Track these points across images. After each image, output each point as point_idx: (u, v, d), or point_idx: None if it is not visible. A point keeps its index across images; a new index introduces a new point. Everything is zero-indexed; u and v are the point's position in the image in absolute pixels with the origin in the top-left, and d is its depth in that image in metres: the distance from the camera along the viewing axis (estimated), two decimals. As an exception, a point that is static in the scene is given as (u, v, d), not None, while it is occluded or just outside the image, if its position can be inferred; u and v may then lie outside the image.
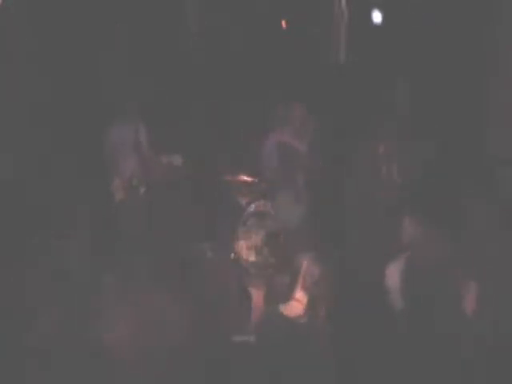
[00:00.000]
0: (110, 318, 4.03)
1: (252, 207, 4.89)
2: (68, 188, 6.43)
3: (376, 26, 8.51)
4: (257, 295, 3.85)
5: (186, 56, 8.68)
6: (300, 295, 3.66)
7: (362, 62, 8.29)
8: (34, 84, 7.62)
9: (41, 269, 4.89)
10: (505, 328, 4.16)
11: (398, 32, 8.15)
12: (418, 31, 7.80)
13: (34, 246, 5.39)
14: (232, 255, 3.98)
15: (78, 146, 7.36)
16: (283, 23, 9.00)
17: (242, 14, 8.79)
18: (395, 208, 5.83)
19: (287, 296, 3.68)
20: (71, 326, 4.20)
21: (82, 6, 7.99)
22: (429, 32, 7.68)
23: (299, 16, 8.75)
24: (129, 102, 7.23)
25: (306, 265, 3.70)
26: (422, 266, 4.35)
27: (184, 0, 9.05)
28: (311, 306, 3.64)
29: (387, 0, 8.42)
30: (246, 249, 3.89)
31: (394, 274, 4.40)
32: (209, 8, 8.82)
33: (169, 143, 7.55)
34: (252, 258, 3.85)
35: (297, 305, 3.65)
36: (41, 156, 7.16)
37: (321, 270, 3.69)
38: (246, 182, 6.89)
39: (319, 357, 3.49)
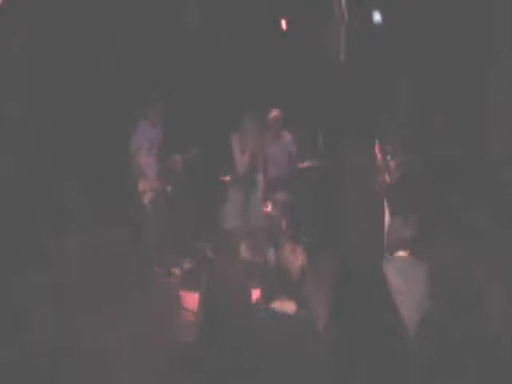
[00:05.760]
0: (111, 316, 4.04)
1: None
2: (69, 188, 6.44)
3: (376, 26, 8.52)
4: (256, 294, 3.87)
5: (185, 57, 8.70)
6: (299, 293, 3.67)
7: (362, 61, 8.29)
8: (42, 81, 7.63)
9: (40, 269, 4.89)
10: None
11: (398, 32, 8.16)
12: (419, 31, 7.80)
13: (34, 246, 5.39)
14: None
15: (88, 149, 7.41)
16: (283, 23, 9.02)
17: (241, 13, 8.80)
18: (394, 207, 5.85)
19: (286, 293, 3.68)
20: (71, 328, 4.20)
21: (84, 6, 8.01)
22: (429, 32, 7.68)
23: (299, 16, 8.76)
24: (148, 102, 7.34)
25: (306, 263, 3.72)
26: (420, 266, 4.37)
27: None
28: (309, 303, 3.65)
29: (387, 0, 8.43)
30: (247, 249, 3.91)
31: (391, 274, 4.41)
32: (208, 8, 8.84)
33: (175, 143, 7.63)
34: (253, 257, 3.87)
35: (295, 302, 3.65)
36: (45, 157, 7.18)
37: (320, 269, 3.70)
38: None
39: (317, 355, 3.50)
